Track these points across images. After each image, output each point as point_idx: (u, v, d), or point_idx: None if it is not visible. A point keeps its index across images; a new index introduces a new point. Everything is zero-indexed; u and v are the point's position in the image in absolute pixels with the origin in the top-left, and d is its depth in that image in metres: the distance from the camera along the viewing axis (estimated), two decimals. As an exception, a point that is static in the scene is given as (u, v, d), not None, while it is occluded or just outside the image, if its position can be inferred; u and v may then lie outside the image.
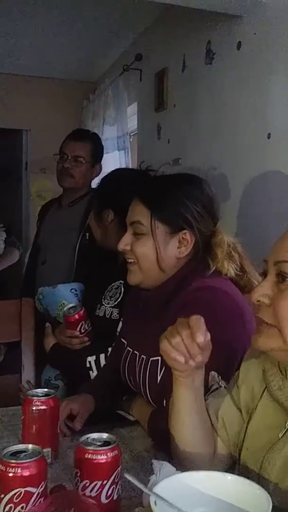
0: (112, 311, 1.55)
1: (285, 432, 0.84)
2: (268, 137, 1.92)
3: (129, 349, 1.31)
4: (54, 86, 4.28)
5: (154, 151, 3.03)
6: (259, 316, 0.85)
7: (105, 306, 1.58)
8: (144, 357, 1.23)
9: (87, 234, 2.16)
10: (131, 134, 3.56)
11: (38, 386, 1.66)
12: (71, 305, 1.68)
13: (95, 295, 1.66)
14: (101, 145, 2.45)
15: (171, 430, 0.97)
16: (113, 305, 1.55)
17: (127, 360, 1.30)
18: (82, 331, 1.62)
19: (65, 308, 1.66)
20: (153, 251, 1.20)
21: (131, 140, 3.55)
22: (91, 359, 1.52)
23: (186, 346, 0.86)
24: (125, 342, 1.34)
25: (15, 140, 4.52)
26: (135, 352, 1.27)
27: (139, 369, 1.23)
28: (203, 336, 0.86)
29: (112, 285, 1.59)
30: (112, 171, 1.83)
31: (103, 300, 1.60)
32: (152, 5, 2.50)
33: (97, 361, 1.52)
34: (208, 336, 0.87)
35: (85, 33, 3.36)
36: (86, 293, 1.81)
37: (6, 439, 1.17)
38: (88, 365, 1.52)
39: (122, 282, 1.53)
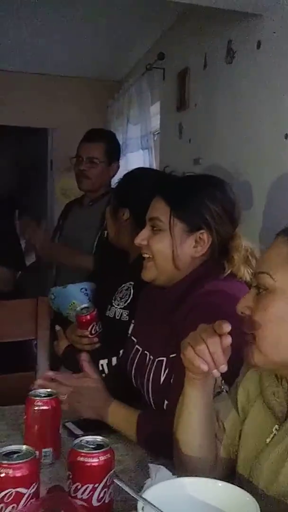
0: (122, 313, 1.56)
1: (272, 438, 0.83)
2: (286, 138, 1.90)
3: (138, 347, 1.32)
4: (80, 85, 4.31)
5: (176, 151, 3.03)
6: (243, 329, 0.85)
7: (115, 308, 1.59)
8: (152, 356, 1.23)
9: (106, 232, 2.18)
10: (155, 133, 3.56)
11: None
12: (84, 305, 1.69)
13: (106, 295, 1.67)
14: (116, 143, 2.44)
15: (177, 433, 0.97)
16: (123, 306, 1.56)
17: (136, 359, 1.30)
18: (93, 332, 1.63)
19: (78, 308, 1.68)
20: (169, 248, 1.21)
21: (155, 139, 3.55)
22: (103, 362, 1.53)
23: (211, 353, 0.85)
24: (135, 340, 1.34)
25: (40, 139, 4.58)
26: (145, 351, 1.28)
27: (145, 368, 1.24)
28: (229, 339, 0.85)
29: (122, 286, 1.60)
30: (134, 170, 1.84)
31: (113, 301, 1.61)
32: (174, 5, 2.49)
33: (109, 364, 1.53)
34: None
35: (109, 32, 3.37)
36: (97, 293, 1.82)
37: (12, 438, 1.18)
38: (100, 368, 1.54)
39: (132, 283, 1.54)
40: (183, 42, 2.94)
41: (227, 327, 0.85)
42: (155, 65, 3.24)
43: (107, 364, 1.53)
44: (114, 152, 2.38)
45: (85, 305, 1.69)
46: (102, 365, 1.54)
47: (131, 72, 3.89)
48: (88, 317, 1.62)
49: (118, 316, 1.56)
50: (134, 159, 3.65)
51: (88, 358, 1.29)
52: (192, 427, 0.94)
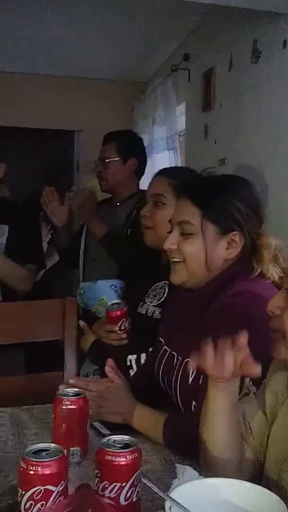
0: (154, 310, 1.57)
1: None
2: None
3: (166, 348, 1.32)
4: (105, 87, 4.34)
5: (201, 151, 3.02)
6: (272, 327, 0.85)
7: (148, 305, 1.60)
8: (180, 358, 1.24)
9: (129, 230, 2.19)
10: (181, 134, 3.56)
11: None
12: (115, 301, 1.71)
13: (139, 292, 1.68)
14: (130, 139, 2.44)
15: (202, 434, 0.97)
16: (156, 304, 1.57)
17: (163, 360, 1.31)
18: (122, 328, 1.64)
19: (108, 303, 1.69)
20: (202, 251, 1.20)
21: (180, 140, 3.55)
22: (132, 357, 1.54)
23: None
24: (162, 341, 1.35)
25: (67, 141, 4.62)
26: (173, 352, 1.28)
27: (174, 370, 1.24)
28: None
29: (156, 284, 1.60)
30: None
31: (146, 298, 1.62)
32: (198, 5, 2.49)
33: (138, 360, 1.54)
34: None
35: (134, 34, 3.39)
36: (129, 290, 1.83)
37: (40, 436, 1.21)
38: (128, 363, 1.55)
39: (167, 283, 1.54)
40: (208, 43, 2.93)
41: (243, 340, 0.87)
42: (181, 66, 3.25)
43: (136, 360, 1.54)
44: (127, 148, 2.37)
45: (116, 300, 1.71)
46: (130, 360, 1.55)
47: (157, 74, 3.89)
48: (119, 312, 1.63)
49: (150, 313, 1.57)
50: (160, 160, 3.65)
51: (113, 363, 1.30)
52: (216, 428, 0.95)
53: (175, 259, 1.25)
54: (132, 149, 2.39)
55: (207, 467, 0.96)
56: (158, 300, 1.56)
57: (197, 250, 1.21)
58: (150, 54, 3.74)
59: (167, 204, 1.55)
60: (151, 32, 3.30)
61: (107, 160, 2.35)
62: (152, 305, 1.57)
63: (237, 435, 0.96)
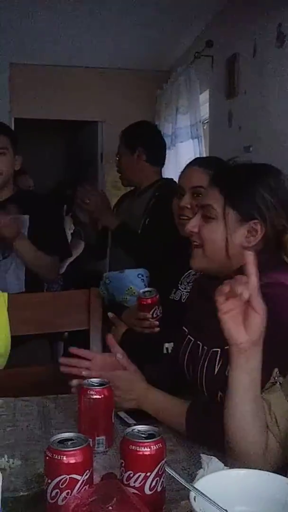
0: (188, 296, 1.56)
1: None
2: None
3: (190, 337, 1.31)
4: (128, 76, 4.32)
5: (226, 139, 2.99)
6: None
7: (182, 291, 1.60)
8: (206, 347, 1.23)
9: (147, 220, 2.19)
10: (204, 122, 3.53)
11: None
12: (147, 288, 1.71)
13: (171, 279, 1.68)
14: (134, 130, 2.41)
15: (225, 419, 0.97)
16: (189, 290, 1.57)
17: (188, 349, 1.30)
18: (154, 315, 1.65)
19: (140, 291, 1.70)
20: (221, 236, 1.20)
21: (204, 128, 3.51)
22: (169, 345, 1.55)
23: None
24: (186, 330, 1.34)
25: (91, 132, 4.63)
26: (198, 342, 1.28)
27: (199, 360, 1.24)
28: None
29: (189, 271, 1.60)
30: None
31: (179, 285, 1.61)
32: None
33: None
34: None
35: (157, 22, 3.36)
36: (159, 278, 1.83)
37: (66, 425, 1.22)
38: (165, 351, 1.55)
39: None
40: (231, 28, 2.89)
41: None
42: (204, 53, 3.21)
43: (172, 348, 1.54)
44: (132, 140, 2.35)
45: (148, 288, 1.71)
46: (167, 348, 1.56)
47: (179, 61, 3.86)
48: (150, 300, 1.64)
49: (184, 299, 1.57)
50: (184, 148, 3.63)
51: (111, 337, 1.32)
52: (239, 408, 0.94)
53: (195, 243, 1.25)
54: (137, 139, 2.36)
55: (232, 456, 0.95)
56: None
57: (216, 235, 1.20)
58: (173, 42, 3.71)
59: None
60: (173, 19, 3.27)
61: (117, 156, 2.40)
62: (186, 291, 1.57)
63: (260, 421, 0.95)
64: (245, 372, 0.92)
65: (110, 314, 1.76)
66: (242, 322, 0.91)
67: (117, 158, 2.43)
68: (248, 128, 2.69)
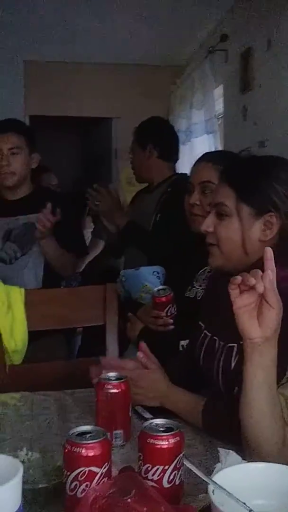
0: (203, 291, 1.56)
1: None
2: None
3: (206, 333, 1.31)
4: (141, 72, 4.31)
5: (240, 134, 2.97)
6: None
7: (197, 288, 1.60)
8: (222, 343, 1.23)
9: (159, 215, 2.19)
10: (219, 117, 3.51)
11: None
12: (161, 286, 1.72)
13: (186, 277, 1.67)
14: (145, 126, 2.42)
15: (240, 414, 0.96)
16: (205, 287, 1.56)
17: (204, 344, 1.30)
18: (168, 314, 1.65)
19: (155, 289, 1.70)
20: (237, 233, 1.19)
21: (219, 123, 3.50)
22: (184, 343, 1.55)
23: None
24: (202, 326, 1.34)
25: (105, 128, 4.64)
26: (214, 337, 1.28)
27: (215, 355, 1.24)
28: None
29: (205, 268, 1.60)
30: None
31: (194, 282, 1.61)
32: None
33: None
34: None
35: (170, 17, 3.35)
36: (174, 275, 1.83)
37: (83, 419, 1.23)
38: (181, 348, 1.56)
39: None
40: (245, 22, 2.87)
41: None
42: (218, 47, 3.20)
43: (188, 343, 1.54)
44: (143, 136, 2.37)
45: (162, 286, 1.71)
46: (183, 345, 1.56)
47: (193, 56, 3.84)
48: (164, 299, 1.64)
49: (199, 297, 1.56)
50: (199, 144, 3.62)
51: (146, 348, 1.31)
52: (254, 404, 0.94)
53: (210, 242, 1.25)
54: (148, 135, 2.37)
55: (249, 451, 0.95)
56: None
57: (232, 233, 1.19)
58: (186, 37, 3.69)
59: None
60: (187, 14, 3.26)
61: (130, 152, 2.42)
62: (201, 288, 1.57)
63: (277, 416, 0.95)
64: (259, 367, 0.92)
65: (129, 315, 1.77)
66: (256, 317, 0.90)
67: (130, 156, 2.44)
68: (263, 123, 2.67)
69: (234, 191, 1.19)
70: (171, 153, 2.41)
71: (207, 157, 1.67)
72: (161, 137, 2.37)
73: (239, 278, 0.91)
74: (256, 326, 0.90)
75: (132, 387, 1.19)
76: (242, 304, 0.91)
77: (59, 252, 2.09)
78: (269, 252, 0.92)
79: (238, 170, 1.26)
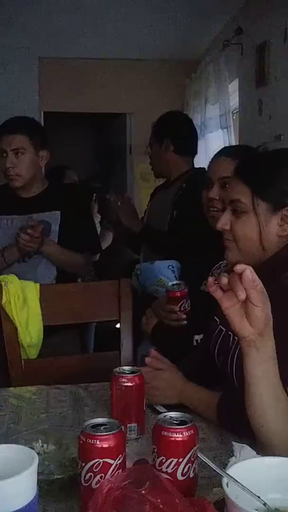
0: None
1: None
2: None
3: (221, 327, 1.31)
4: (156, 67, 4.30)
5: (256, 128, 2.95)
6: None
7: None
8: (236, 337, 1.23)
9: (175, 212, 2.19)
10: (234, 111, 3.49)
11: (134, 362, 1.73)
12: (176, 281, 1.71)
13: (201, 271, 1.67)
14: (162, 121, 2.42)
15: (246, 409, 0.96)
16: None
17: (219, 339, 1.30)
18: (182, 309, 1.65)
19: (169, 284, 1.70)
20: (254, 230, 1.18)
21: (234, 117, 3.47)
22: (199, 337, 1.55)
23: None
24: (218, 320, 1.34)
25: (119, 124, 4.64)
26: (229, 332, 1.27)
27: (230, 349, 1.23)
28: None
29: (220, 263, 1.59)
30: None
31: (210, 276, 1.60)
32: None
33: None
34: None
35: (185, 11, 3.34)
36: (189, 269, 1.83)
37: (98, 413, 1.23)
38: (195, 343, 1.55)
39: None
40: (261, 15, 2.84)
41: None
42: (233, 40, 3.17)
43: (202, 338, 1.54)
44: (160, 131, 2.37)
45: (177, 281, 1.71)
46: (197, 340, 1.56)
47: (208, 50, 3.82)
48: (179, 294, 1.64)
49: None
50: (214, 139, 3.60)
51: (156, 353, 1.31)
52: (257, 398, 0.94)
53: (227, 239, 1.24)
54: (164, 130, 2.37)
55: (258, 445, 0.95)
56: None
57: (249, 230, 1.19)
58: (201, 31, 3.67)
59: None
60: (202, 7, 3.24)
61: (148, 147, 2.44)
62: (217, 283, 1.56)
63: (282, 409, 0.94)
64: (257, 363, 0.92)
65: (150, 310, 1.77)
66: (245, 314, 0.90)
67: (149, 151, 2.44)
68: (279, 117, 2.65)
69: (249, 187, 1.18)
70: (188, 147, 2.40)
71: (225, 152, 1.66)
72: (177, 132, 2.36)
73: (211, 280, 0.92)
74: (247, 323, 0.90)
75: (148, 389, 1.20)
76: (230, 304, 0.90)
77: (63, 256, 2.07)
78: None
79: (252, 165, 1.26)
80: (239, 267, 0.88)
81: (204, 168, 2.28)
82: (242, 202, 1.19)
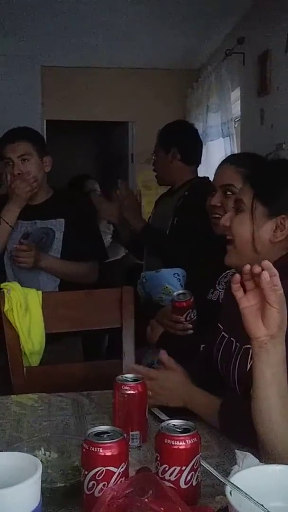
0: (224, 293, 1.56)
1: None
2: None
3: (224, 334, 1.32)
4: (158, 76, 4.33)
5: (257, 137, 2.96)
6: None
7: (219, 291, 1.59)
8: (238, 344, 1.23)
9: (176, 219, 2.20)
10: (236, 120, 3.50)
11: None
12: (181, 291, 1.71)
13: (208, 279, 1.67)
14: (169, 130, 2.44)
15: (252, 414, 0.96)
16: (225, 289, 1.56)
17: (221, 346, 1.31)
18: (188, 318, 1.65)
19: (174, 293, 1.70)
20: (249, 230, 1.21)
21: (235, 126, 3.49)
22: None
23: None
24: (221, 327, 1.35)
25: (121, 133, 4.66)
26: (231, 339, 1.28)
27: (232, 356, 1.24)
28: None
29: (227, 271, 1.60)
30: None
31: (217, 285, 1.61)
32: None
33: None
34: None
35: (187, 20, 3.36)
36: (195, 278, 1.83)
37: (100, 420, 1.23)
38: None
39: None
40: (263, 25, 2.86)
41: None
42: (235, 50, 3.19)
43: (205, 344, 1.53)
44: (167, 139, 2.38)
45: (182, 291, 1.71)
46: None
47: (210, 59, 3.85)
48: (184, 304, 1.63)
49: (221, 300, 1.56)
50: (215, 147, 3.61)
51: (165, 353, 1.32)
52: (264, 402, 0.94)
53: (228, 237, 1.28)
54: (172, 139, 2.38)
55: (263, 451, 0.95)
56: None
57: (244, 228, 1.22)
58: (203, 40, 3.70)
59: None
60: (204, 17, 3.26)
61: (152, 155, 2.45)
62: (223, 291, 1.57)
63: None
64: (267, 366, 0.93)
65: (151, 321, 1.77)
66: (261, 316, 0.92)
67: (153, 158, 2.45)
68: (280, 126, 2.66)
69: (253, 190, 1.23)
70: (194, 157, 2.43)
71: (230, 160, 1.67)
72: (184, 141, 2.38)
73: (238, 276, 0.94)
74: (261, 325, 0.92)
75: (157, 388, 1.21)
76: (248, 304, 0.93)
77: (67, 269, 2.07)
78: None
79: (261, 171, 1.30)
80: (266, 263, 0.90)
81: (207, 178, 2.30)
82: (243, 202, 1.23)
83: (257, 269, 0.91)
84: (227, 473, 0.84)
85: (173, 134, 2.39)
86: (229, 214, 1.29)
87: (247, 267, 0.93)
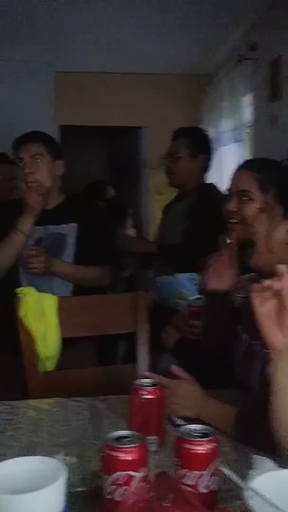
0: (245, 297, 1.56)
1: None
2: None
3: (246, 336, 1.32)
4: (170, 81, 4.34)
5: (270, 142, 2.96)
6: None
7: (236, 296, 1.59)
8: (261, 347, 1.24)
9: (189, 224, 2.21)
10: (248, 125, 3.51)
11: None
12: (197, 296, 1.72)
13: None
14: (200, 136, 2.49)
15: (271, 421, 0.96)
16: (243, 295, 1.56)
17: (243, 349, 1.31)
18: None
19: (191, 298, 1.70)
20: (263, 228, 1.24)
21: (247, 131, 3.49)
22: None
23: None
24: (239, 329, 1.35)
25: (133, 138, 4.67)
26: (254, 342, 1.28)
27: (254, 359, 1.24)
28: None
29: (242, 276, 1.60)
30: None
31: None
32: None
33: None
34: None
35: (199, 26, 3.37)
36: None
37: (117, 425, 1.23)
38: None
39: (256, 274, 1.54)
40: (275, 30, 2.87)
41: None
42: (247, 55, 3.20)
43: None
44: (198, 145, 2.41)
45: (198, 295, 1.72)
46: None
47: (222, 65, 3.85)
48: (200, 308, 1.64)
49: (238, 304, 1.57)
50: (227, 152, 3.62)
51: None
52: (281, 408, 0.94)
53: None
54: (203, 146, 2.42)
55: (283, 458, 0.95)
56: (247, 292, 1.56)
57: (261, 226, 1.25)
58: (215, 46, 3.70)
59: (253, 199, 1.55)
60: (216, 22, 3.27)
61: (177, 156, 2.40)
62: (240, 296, 1.57)
63: None
64: (283, 373, 0.93)
65: (168, 327, 1.78)
66: (278, 323, 0.92)
67: (172, 158, 2.42)
68: (293, 131, 2.67)
69: (270, 190, 1.30)
70: (210, 165, 2.51)
71: (246, 165, 1.68)
72: (211, 150, 2.48)
73: (259, 286, 0.95)
74: (278, 332, 0.92)
75: (170, 397, 1.21)
76: (265, 310, 0.93)
77: (80, 274, 2.06)
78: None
79: (278, 173, 1.38)
80: (281, 268, 0.92)
81: (212, 184, 2.35)
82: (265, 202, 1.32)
83: (277, 285, 0.91)
84: (244, 478, 0.84)
85: (204, 141, 2.47)
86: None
87: (259, 286, 0.94)
